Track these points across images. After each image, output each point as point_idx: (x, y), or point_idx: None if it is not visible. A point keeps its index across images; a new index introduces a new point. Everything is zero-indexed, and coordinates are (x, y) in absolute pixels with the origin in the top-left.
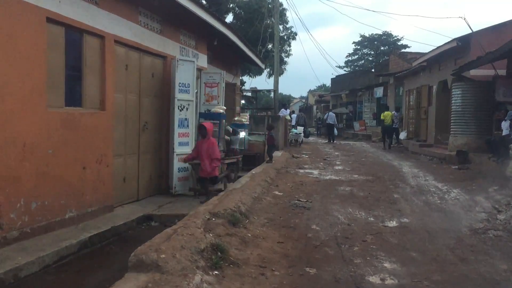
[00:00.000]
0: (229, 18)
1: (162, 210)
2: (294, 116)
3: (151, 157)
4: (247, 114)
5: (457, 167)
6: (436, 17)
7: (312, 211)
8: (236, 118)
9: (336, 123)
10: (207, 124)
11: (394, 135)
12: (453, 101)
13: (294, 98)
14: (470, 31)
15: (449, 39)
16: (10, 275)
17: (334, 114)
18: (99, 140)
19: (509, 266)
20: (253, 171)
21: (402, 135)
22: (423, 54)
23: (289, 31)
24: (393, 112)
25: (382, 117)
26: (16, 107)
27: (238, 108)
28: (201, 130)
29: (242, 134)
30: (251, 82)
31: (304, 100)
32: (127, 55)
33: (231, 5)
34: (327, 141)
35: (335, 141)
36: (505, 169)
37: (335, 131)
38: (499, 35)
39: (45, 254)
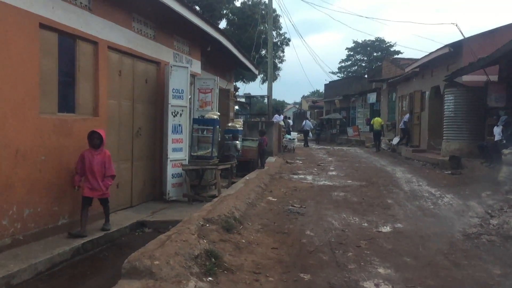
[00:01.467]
0: (223, 24)
1: (156, 216)
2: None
3: (145, 163)
4: (241, 120)
5: (450, 172)
6: (428, 24)
7: (306, 217)
8: (230, 124)
9: (312, 128)
10: (102, 131)
11: (394, 139)
12: (445, 107)
13: (288, 104)
14: (462, 37)
15: (442, 45)
16: (2, 283)
17: (310, 122)
18: None
19: (503, 270)
20: (247, 177)
21: (395, 140)
22: (415, 60)
23: (283, 37)
24: (405, 116)
25: (372, 123)
26: (9, 113)
27: (232, 114)
28: (92, 139)
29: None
30: (244, 88)
31: (297, 106)
32: (121, 61)
33: (225, 11)
34: (303, 144)
35: (308, 145)
36: (497, 174)
37: (310, 135)
38: (491, 41)
39: (37, 261)
